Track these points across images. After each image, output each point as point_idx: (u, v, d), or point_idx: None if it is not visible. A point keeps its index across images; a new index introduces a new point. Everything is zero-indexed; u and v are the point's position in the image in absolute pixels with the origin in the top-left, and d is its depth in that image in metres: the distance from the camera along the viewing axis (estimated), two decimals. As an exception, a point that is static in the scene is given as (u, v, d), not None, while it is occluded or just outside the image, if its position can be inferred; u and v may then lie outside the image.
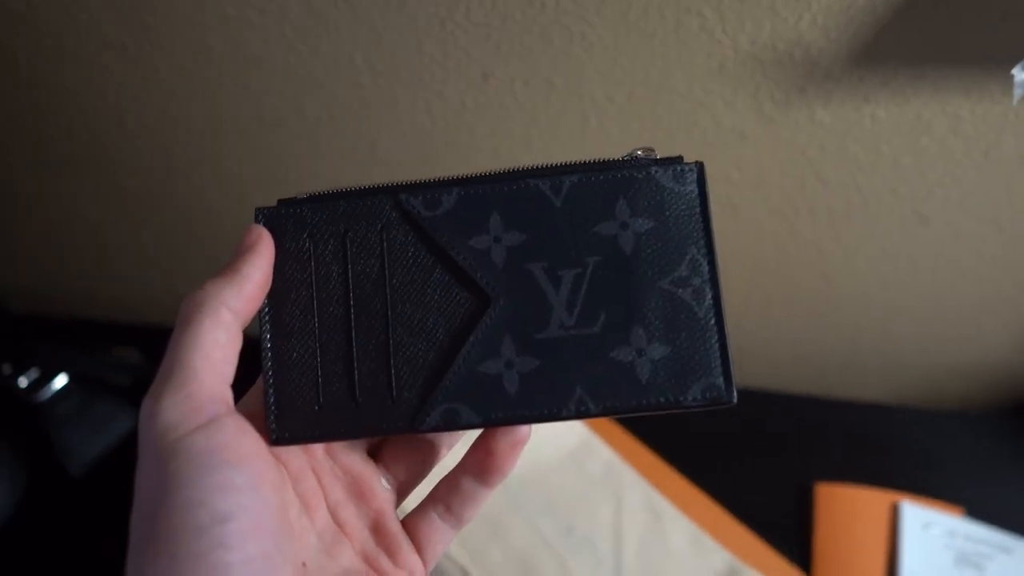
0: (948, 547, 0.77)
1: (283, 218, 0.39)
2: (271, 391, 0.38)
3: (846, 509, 0.80)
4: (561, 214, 0.38)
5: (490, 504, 0.76)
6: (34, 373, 0.84)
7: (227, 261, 0.37)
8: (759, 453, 0.83)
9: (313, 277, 0.39)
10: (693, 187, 0.38)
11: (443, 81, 0.72)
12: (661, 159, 0.39)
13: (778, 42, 0.64)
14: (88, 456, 0.83)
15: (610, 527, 0.77)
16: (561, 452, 0.81)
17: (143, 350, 0.90)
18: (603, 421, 0.83)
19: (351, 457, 0.40)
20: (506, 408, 0.37)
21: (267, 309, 0.39)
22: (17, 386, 0.83)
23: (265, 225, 0.39)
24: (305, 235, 0.39)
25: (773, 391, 0.87)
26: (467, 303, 0.38)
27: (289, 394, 0.38)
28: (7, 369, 0.83)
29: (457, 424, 0.38)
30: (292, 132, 0.79)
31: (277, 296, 0.39)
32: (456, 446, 0.43)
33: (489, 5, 0.65)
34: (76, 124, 0.82)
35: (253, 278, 0.37)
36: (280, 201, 0.40)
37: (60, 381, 0.84)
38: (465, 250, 0.38)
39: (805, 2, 0.61)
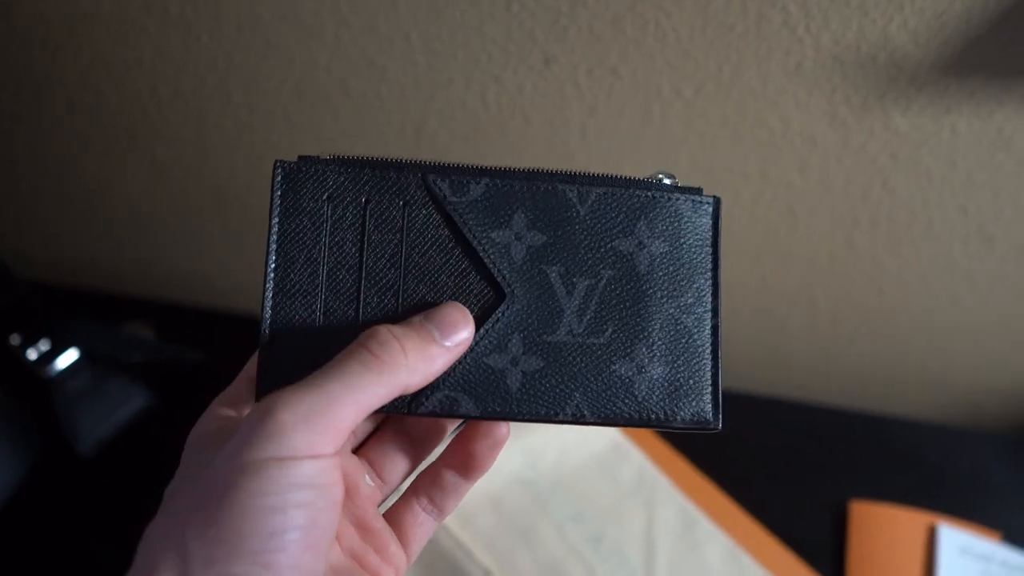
0: (984, 572, 0.76)
1: (303, 175, 0.39)
2: (267, 348, 0.38)
3: (881, 529, 0.78)
4: (583, 223, 0.39)
5: (519, 509, 0.74)
6: (44, 346, 0.80)
7: (437, 338, 0.37)
8: (795, 467, 0.81)
9: (326, 240, 0.39)
10: (708, 220, 0.40)
11: (502, 65, 0.69)
12: (682, 187, 0.40)
13: (863, 43, 0.61)
14: (97, 435, 0.80)
15: (642, 537, 0.74)
16: (592, 456, 0.79)
17: (157, 327, 0.87)
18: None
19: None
20: (505, 404, 0.38)
21: (273, 265, 0.38)
22: (26, 359, 0.79)
23: (283, 180, 0.39)
24: (324, 197, 0.39)
25: (813, 403, 0.85)
26: (482, 294, 0.39)
27: (284, 356, 0.38)
28: (15, 340, 0.80)
29: (455, 412, 0.38)
30: (335, 110, 0.76)
31: (286, 253, 0.38)
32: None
33: (563, -13, 0.62)
34: (106, 88, 0.79)
35: (436, 375, 0.37)
36: (301, 157, 0.39)
37: (71, 356, 0.80)
38: (487, 241, 0.39)
39: (897, 3, 0.58)
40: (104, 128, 0.83)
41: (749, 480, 0.79)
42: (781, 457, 0.81)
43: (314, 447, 0.32)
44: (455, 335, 0.37)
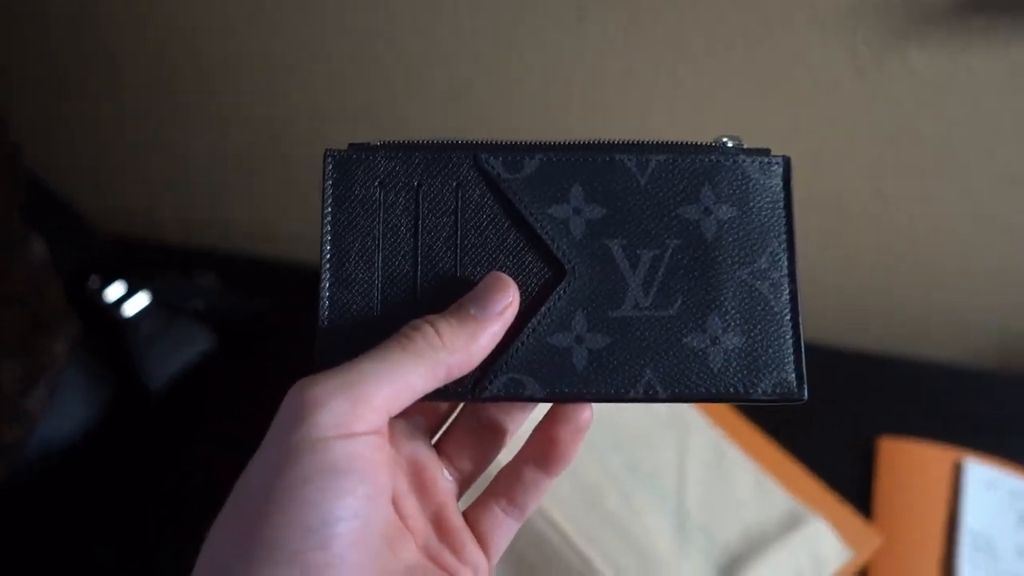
0: (1011, 507, 0.76)
1: (354, 163, 0.38)
2: (324, 340, 0.37)
3: (909, 464, 0.79)
4: (644, 193, 0.38)
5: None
6: (120, 289, 0.85)
7: (474, 313, 0.35)
8: (825, 407, 0.81)
9: (380, 228, 0.37)
10: (779, 181, 0.38)
11: (541, 27, 0.72)
12: (748, 148, 0.38)
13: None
14: (167, 373, 0.84)
15: (674, 466, 0.77)
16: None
17: (222, 276, 0.92)
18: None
19: (414, 445, 0.38)
20: (572, 384, 0.36)
21: (329, 255, 0.37)
22: (103, 300, 0.84)
23: (334, 169, 0.38)
24: (376, 183, 0.38)
25: (844, 347, 0.87)
26: (541, 272, 0.37)
27: (342, 348, 0.36)
28: (95, 283, 0.85)
29: (520, 395, 0.36)
30: (386, 72, 0.80)
31: (340, 243, 0.37)
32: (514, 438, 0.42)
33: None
34: (179, 55, 0.84)
35: (485, 352, 0.35)
36: (351, 145, 0.38)
37: (142, 300, 0.85)
38: (543, 217, 0.37)
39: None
40: (178, 87, 0.89)
41: (779, 419, 0.81)
42: (811, 397, 0.83)
43: (343, 424, 0.31)
44: (494, 304, 0.35)
